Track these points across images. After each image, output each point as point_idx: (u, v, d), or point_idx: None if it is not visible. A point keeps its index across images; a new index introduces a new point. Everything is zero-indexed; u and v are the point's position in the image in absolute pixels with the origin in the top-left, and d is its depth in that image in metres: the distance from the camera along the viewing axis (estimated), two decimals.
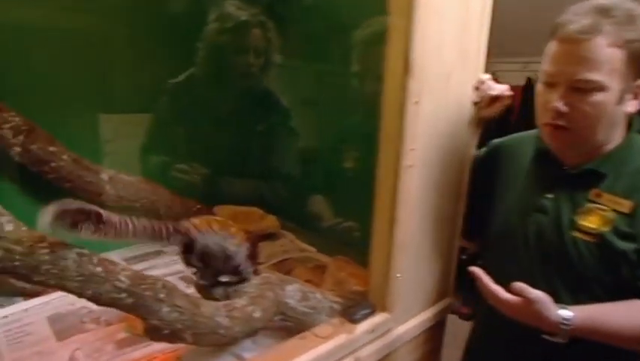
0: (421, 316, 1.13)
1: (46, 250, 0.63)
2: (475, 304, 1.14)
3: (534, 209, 0.93)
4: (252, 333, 0.90)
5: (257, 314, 0.88)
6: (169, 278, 1.26)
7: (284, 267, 1.46)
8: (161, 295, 0.73)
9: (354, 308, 0.99)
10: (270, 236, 1.66)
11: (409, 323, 1.09)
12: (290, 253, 1.56)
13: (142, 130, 1.54)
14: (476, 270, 0.85)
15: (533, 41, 1.31)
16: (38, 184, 1.31)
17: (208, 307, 0.81)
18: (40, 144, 1.26)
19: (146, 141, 1.55)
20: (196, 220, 0.90)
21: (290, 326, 0.96)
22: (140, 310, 0.72)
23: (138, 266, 1.44)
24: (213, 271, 0.90)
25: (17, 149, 1.22)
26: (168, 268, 1.43)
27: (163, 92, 1.52)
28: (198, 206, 1.61)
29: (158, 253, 1.56)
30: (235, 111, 1.49)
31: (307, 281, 1.30)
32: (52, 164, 1.28)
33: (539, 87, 0.87)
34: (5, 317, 1.04)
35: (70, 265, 0.64)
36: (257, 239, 1.07)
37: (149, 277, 0.74)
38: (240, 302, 0.88)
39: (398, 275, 1.01)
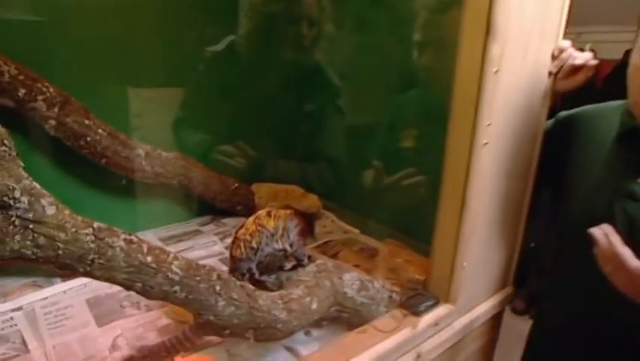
0: (483, 306, 1.05)
1: (91, 237, 0.54)
2: (536, 299, 1.07)
3: (623, 195, 0.82)
4: (307, 326, 0.84)
5: (314, 306, 0.82)
6: (208, 260, 1.25)
7: (327, 250, 1.37)
8: (217, 288, 0.65)
9: (415, 299, 0.93)
10: (310, 216, 1.55)
11: (471, 314, 1.02)
12: (333, 235, 1.47)
13: (177, 104, 1.45)
14: (603, 228, 0.74)
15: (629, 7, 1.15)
16: (74, 160, 1.25)
17: (265, 299, 0.72)
18: (76, 117, 1.18)
19: (182, 115, 1.45)
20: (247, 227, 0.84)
21: (345, 317, 0.90)
22: (194, 304, 0.64)
23: (175, 247, 1.38)
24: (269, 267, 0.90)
25: (52, 122, 1.15)
26: (207, 249, 1.35)
27: (200, 61, 1.41)
28: (236, 184, 1.54)
29: (195, 233, 1.49)
30: (281, 87, 1.41)
31: (356, 266, 1.23)
32: (88, 138, 1.20)
33: (636, 60, 0.76)
34: (44, 298, 1.01)
35: (118, 254, 0.56)
36: (312, 219, 1.02)
37: (203, 267, 0.65)
38: (296, 293, 0.82)
39: (464, 264, 0.91)
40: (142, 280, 0.60)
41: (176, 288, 0.63)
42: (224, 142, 1.52)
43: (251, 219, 0.88)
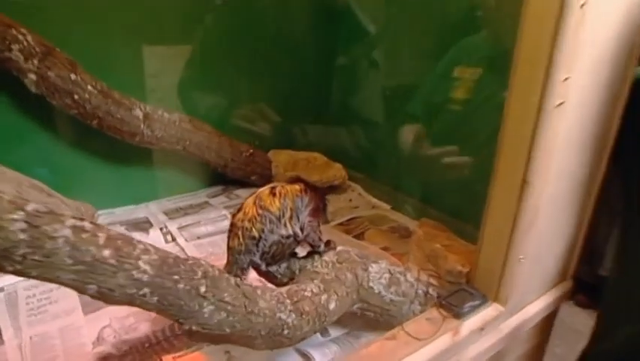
0: (537, 304, 0.90)
1: (21, 225, 0.38)
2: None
3: None
4: (323, 329, 0.76)
5: (332, 305, 0.70)
6: (216, 237, 1.10)
7: (352, 228, 1.23)
8: (202, 289, 0.49)
9: (457, 297, 0.80)
10: (334, 189, 1.41)
11: (522, 315, 0.87)
12: (359, 211, 1.32)
13: (183, 58, 1.27)
14: None
15: None
16: (61, 121, 1.10)
17: (269, 300, 0.60)
18: (60, 71, 1.01)
19: (189, 71, 1.27)
20: (244, 211, 0.72)
21: (370, 316, 0.79)
22: (172, 310, 0.48)
23: (181, 221, 1.24)
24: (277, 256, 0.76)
25: (32, 76, 0.99)
26: (215, 224, 1.22)
27: (209, 6, 1.24)
28: (251, 151, 1.37)
29: (203, 205, 1.34)
30: (304, 37, 1.30)
31: (384, 250, 1.10)
32: (75, 96, 1.03)
33: None
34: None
35: (61, 247, 0.40)
36: (323, 194, 0.83)
37: (184, 261, 0.49)
38: (309, 289, 0.70)
39: (521, 258, 0.79)
40: (97, 282, 0.45)
41: (146, 290, 0.47)
42: (237, 103, 1.36)
43: (250, 200, 0.74)
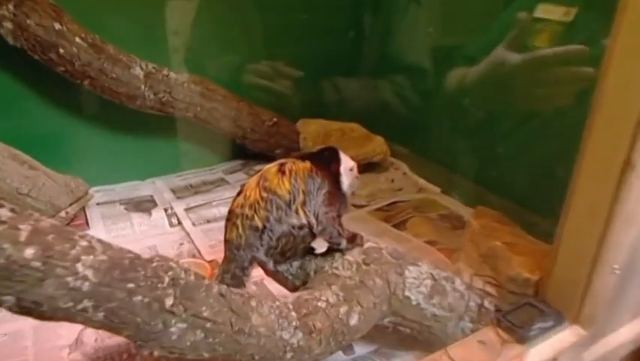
0: (631, 329, 0.76)
1: None
2: None
3: None
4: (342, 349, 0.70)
5: (354, 320, 0.62)
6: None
7: (392, 215, 1.13)
8: (168, 302, 0.40)
9: (521, 314, 0.68)
10: (373, 166, 1.32)
11: (610, 341, 0.74)
12: (403, 194, 1.22)
13: (201, 11, 1.17)
14: None
15: None
16: (48, 81, 1.02)
17: (266, 314, 0.55)
18: (41, 19, 0.92)
19: (203, 24, 1.17)
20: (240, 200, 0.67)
21: (406, 333, 0.71)
22: (125, 330, 0.38)
23: (189, 201, 1.16)
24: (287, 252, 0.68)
25: (8, 25, 0.90)
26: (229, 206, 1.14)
27: None
28: (275, 120, 1.26)
29: (218, 183, 1.27)
30: None
31: (429, 243, 1.01)
32: (61, 50, 0.95)
33: None
34: None
35: None
36: (336, 173, 0.73)
37: (145, 263, 0.43)
38: (325, 297, 0.63)
39: (615, 268, 0.65)
40: (15, 292, 0.36)
41: (86, 304, 0.39)
42: (257, 60, 1.26)
43: (253, 180, 0.68)
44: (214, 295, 0.50)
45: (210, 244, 1.01)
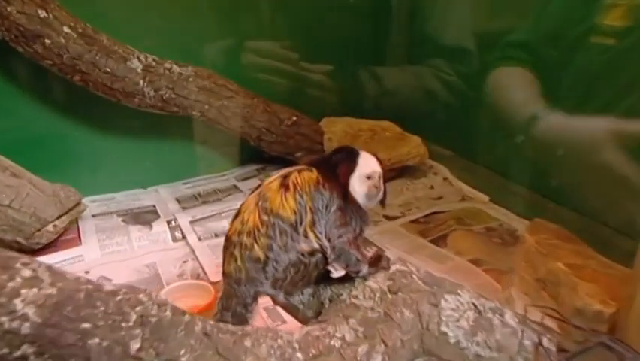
0: None
1: None
2: None
3: None
4: None
5: None
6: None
7: (430, 228, 1.09)
8: (135, 345, 0.37)
9: (591, 356, 0.65)
10: (408, 171, 1.28)
11: None
12: (443, 203, 1.18)
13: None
14: None
15: None
16: (35, 77, 0.99)
17: (264, 356, 0.51)
18: (24, 6, 0.88)
19: (211, 10, 1.15)
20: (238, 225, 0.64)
21: None
22: None
23: (196, 212, 1.13)
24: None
25: None
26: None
27: None
28: (294, 118, 1.21)
29: (229, 191, 1.23)
30: None
31: (474, 263, 0.97)
32: (47, 41, 0.91)
33: None
34: None
35: None
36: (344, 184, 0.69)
37: (108, 295, 0.43)
38: (340, 333, 0.60)
39: None
40: None
41: (27, 350, 0.37)
42: (273, 49, 1.22)
43: (251, 199, 0.64)
44: (196, 334, 0.45)
45: (217, 261, 0.96)
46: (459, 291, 0.65)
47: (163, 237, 1.05)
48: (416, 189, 1.23)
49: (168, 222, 1.09)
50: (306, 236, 0.63)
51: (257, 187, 0.66)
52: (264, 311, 0.85)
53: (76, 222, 1.06)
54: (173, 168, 1.25)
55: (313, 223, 0.63)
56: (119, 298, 0.42)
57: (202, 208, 1.15)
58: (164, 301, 0.45)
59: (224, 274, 0.65)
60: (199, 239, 1.04)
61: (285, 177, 0.64)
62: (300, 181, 0.63)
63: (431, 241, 1.03)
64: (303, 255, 0.63)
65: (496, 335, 0.63)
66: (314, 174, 0.65)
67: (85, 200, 1.08)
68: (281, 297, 0.65)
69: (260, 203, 0.62)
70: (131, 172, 1.20)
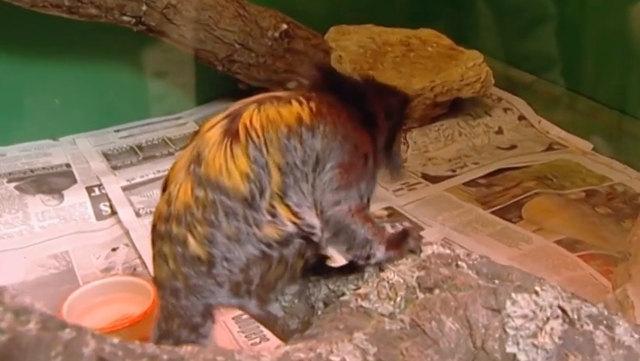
0: None
1: None
2: None
3: None
4: None
5: None
6: None
7: (497, 193, 1.11)
8: None
9: None
10: (461, 106, 1.28)
11: None
12: (517, 155, 1.20)
13: None
14: None
15: None
16: None
17: None
18: None
19: None
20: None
21: None
22: None
23: (132, 173, 1.14)
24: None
25: None
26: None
27: None
28: (284, 26, 1.22)
29: (184, 142, 1.23)
30: None
31: (564, 245, 0.98)
32: None
33: None
34: None
35: None
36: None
37: None
38: (338, 356, 0.60)
39: None
40: None
41: None
42: None
43: (181, 159, 0.66)
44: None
45: None
46: (537, 288, 0.64)
47: (81, 212, 1.06)
48: (474, 133, 1.25)
49: (90, 190, 1.10)
50: (271, 214, 0.64)
51: (191, 138, 0.67)
52: (235, 324, 0.88)
53: None
54: (98, 107, 1.26)
55: (283, 191, 0.64)
56: None
57: (143, 168, 1.16)
58: (25, 306, 0.41)
59: (155, 282, 0.67)
60: (137, 214, 1.06)
61: (234, 118, 0.65)
62: (257, 122, 0.64)
63: (497, 213, 1.04)
64: (268, 245, 0.64)
65: (602, 358, 0.63)
66: (296, 108, 0.66)
67: None
68: (252, 306, 0.67)
69: (192, 168, 0.63)
70: (32, 114, 1.22)
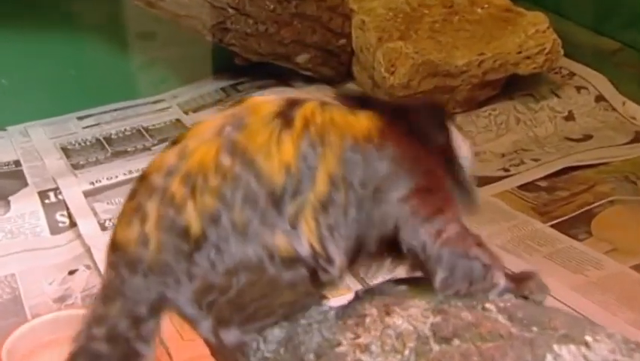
0: None
1: None
2: None
3: None
4: None
5: None
6: None
7: (562, 200, 1.14)
8: None
9: None
10: (520, 84, 1.29)
11: None
12: (593, 149, 1.20)
13: None
14: None
15: None
16: None
17: None
18: None
19: None
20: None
21: None
22: None
23: (99, 173, 1.16)
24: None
25: None
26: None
27: None
28: None
29: (167, 132, 1.30)
30: None
31: None
32: None
33: None
34: None
35: None
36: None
37: None
38: None
39: None
40: None
41: None
42: None
43: (215, 119, 0.68)
44: None
45: None
46: (588, 338, 0.62)
47: (31, 224, 1.08)
48: (536, 120, 1.25)
49: (43, 196, 1.12)
50: (292, 225, 0.64)
51: (233, 103, 0.69)
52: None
53: None
54: (56, 89, 1.28)
55: (324, 205, 0.65)
56: None
57: (111, 166, 1.18)
58: None
59: (111, 245, 0.66)
60: (102, 227, 1.09)
61: (293, 104, 0.66)
62: (320, 119, 0.66)
63: (559, 227, 1.04)
64: (270, 256, 0.65)
65: None
66: (365, 121, 0.67)
67: None
68: (206, 328, 0.68)
69: (227, 131, 0.64)
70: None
